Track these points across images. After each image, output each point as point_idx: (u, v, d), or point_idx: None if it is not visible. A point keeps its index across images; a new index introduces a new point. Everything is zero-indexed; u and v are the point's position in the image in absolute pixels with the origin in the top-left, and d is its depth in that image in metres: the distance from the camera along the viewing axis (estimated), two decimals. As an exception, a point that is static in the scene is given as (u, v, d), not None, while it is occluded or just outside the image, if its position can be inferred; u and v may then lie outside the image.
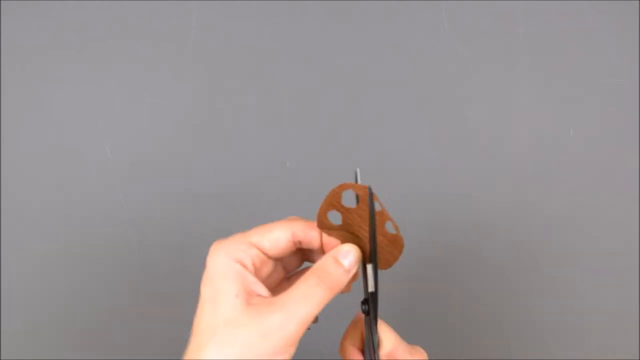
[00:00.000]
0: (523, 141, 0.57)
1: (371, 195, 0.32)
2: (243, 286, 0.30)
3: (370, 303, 0.33)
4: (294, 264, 0.36)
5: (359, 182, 0.33)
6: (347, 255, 0.32)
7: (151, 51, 0.56)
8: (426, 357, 0.35)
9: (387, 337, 0.34)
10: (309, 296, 0.30)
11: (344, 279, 0.31)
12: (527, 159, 0.57)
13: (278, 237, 0.32)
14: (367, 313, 0.33)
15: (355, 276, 0.33)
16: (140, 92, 0.56)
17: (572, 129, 0.57)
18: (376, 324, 0.33)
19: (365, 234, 0.33)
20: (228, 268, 0.31)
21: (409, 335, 0.35)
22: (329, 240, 0.33)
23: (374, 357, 0.33)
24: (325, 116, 0.56)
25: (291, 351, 0.29)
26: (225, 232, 0.56)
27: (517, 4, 0.57)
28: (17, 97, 0.55)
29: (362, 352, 0.35)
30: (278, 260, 0.35)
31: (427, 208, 0.57)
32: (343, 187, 0.33)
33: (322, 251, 0.34)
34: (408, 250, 0.57)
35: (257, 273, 0.32)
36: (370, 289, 0.33)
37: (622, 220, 0.57)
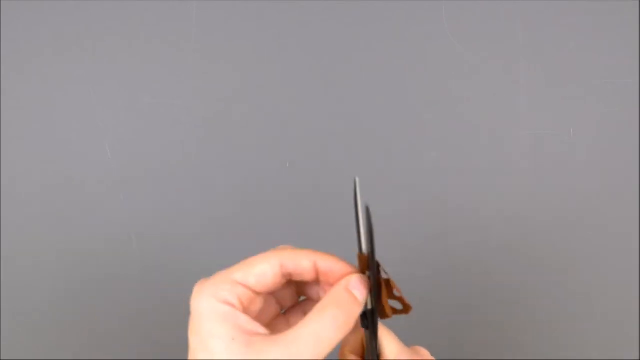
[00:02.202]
0: (523, 141, 0.57)
1: (368, 211, 0.30)
2: (237, 328, 0.27)
3: (369, 319, 0.31)
4: (288, 298, 0.33)
5: (358, 191, 0.31)
6: (358, 285, 0.29)
7: (151, 51, 0.56)
8: (429, 357, 0.34)
9: (390, 345, 0.32)
10: (320, 337, 0.27)
11: (358, 311, 0.29)
12: (527, 159, 0.57)
13: (264, 271, 0.29)
14: (366, 327, 0.32)
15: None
16: (141, 92, 0.56)
17: (572, 129, 0.57)
18: (376, 338, 0.32)
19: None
20: (214, 311, 0.27)
21: (407, 337, 0.35)
22: (328, 270, 0.30)
23: None
24: (325, 116, 0.56)
25: None
26: (225, 232, 0.56)
27: (517, 4, 0.57)
28: (17, 97, 0.55)
29: (362, 359, 0.33)
30: (269, 295, 0.32)
31: (427, 208, 0.57)
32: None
33: (317, 282, 0.31)
34: (408, 250, 0.57)
35: (245, 312, 0.28)
36: (369, 305, 0.31)
37: (622, 220, 0.57)
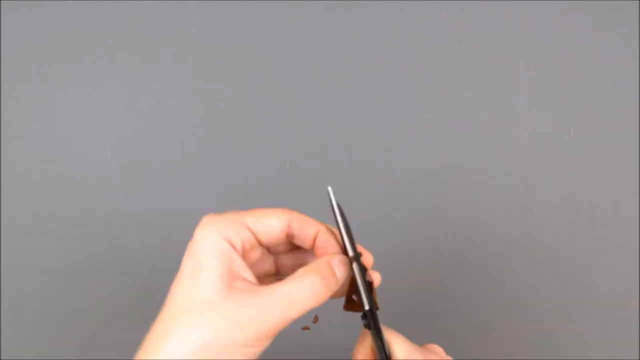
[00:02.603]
0: (523, 141, 0.57)
1: (341, 209, 0.31)
2: (228, 267, 0.28)
3: (369, 318, 0.32)
4: (289, 265, 0.34)
5: (333, 200, 0.32)
6: (341, 266, 0.30)
7: (151, 51, 0.56)
8: (444, 355, 0.34)
9: (399, 346, 0.32)
10: (294, 298, 0.28)
11: (334, 287, 0.30)
12: (527, 159, 0.57)
13: (273, 223, 0.30)
14: (368, 327, 0.32)
15: (343, 288, 0.32)
16: (141, 92, 0.56)
17: (572, 129, 0.57)
18: (381, 337, 0.32)
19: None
20: (215, 245, 0.29)
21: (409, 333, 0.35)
22: (323, 244, 0.31)
23: None
24: (325, 116, 0.56)
25: (264, 344, 0.28)
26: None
27: (517, 4, 0.57)
28: (17, 97, 0.55)
29: None
30: (270, 252, 0.33)
31: (427, 208, 0.57)
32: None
33: (312, 251, 0.32)
34: (408, 249, 0.57)
35: (244, 256, 0.30)
36: (366, 306, 0.32)
37: (622, 220, 0.57)
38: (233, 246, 0.29)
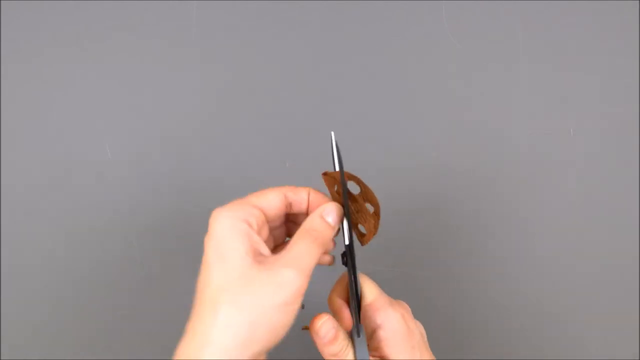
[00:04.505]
0: (523, 141, 0.57)
1: (337, 147, 0.36)
2: (250, 245, 0.32)
3: (347, 254, 0.36)
4: (282, 236, 0.39)
5: (334, 147, 0.36)
6: (331, 213, 0.35)
7: (151, 51, 0.56)
8: (409, 310, 0.37)
9: (369, 289, 0.37)
10: (309, 251, 0.32)
11: (330, 234, 0.34)
12: (527, 159, 0.57)
13: (273, 198, 0.35)
14: (345, 264, 0.36)
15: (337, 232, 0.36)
16: (141, 91, 0.56)
17: (572, 129, 0.57)
18: (355, 273, 0.36)
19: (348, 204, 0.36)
20: (235, 228, 0.32)
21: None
22: (314, 202, 0.36)
23: (355, 305, 0.36)
24: (325, 116, 0.56)
25: (300, 300, 0.31)
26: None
27: (517, 4, 0.57)
28: (17, 97, 0.55)
29: (348, 302, 0.37)
30: (270, 230, 0.37)
31: (427, 208, 0.57)
32: (325, 175, 0.36)
33: (307, 214, 0.36)
34: (409, 247, 0.57)
35: (258, 233, 0.33)
36: (346, 241, 0.36)
37: (622, 220, 0.57)
38: (250, 225, 0.33)
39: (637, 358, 0.57)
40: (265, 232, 0.35)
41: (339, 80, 0.56)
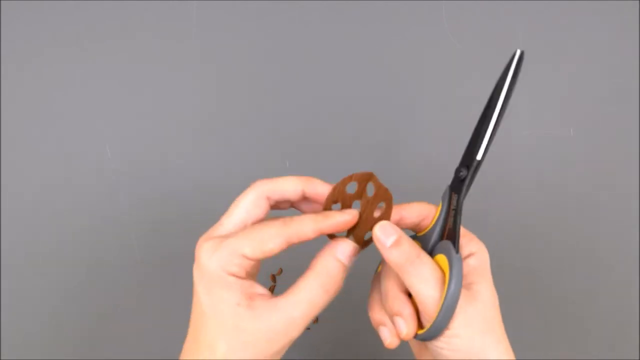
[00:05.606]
0: (523, 141, 0.57)
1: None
2: (243, 293, 0.31)
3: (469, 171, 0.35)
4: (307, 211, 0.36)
5: (514, 61, 0.34)
6: (346, 252, 0.33)
7: (151, 51, 0.56)
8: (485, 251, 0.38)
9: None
10: (316, 301, 0.31)
11: (343, 277, 0.32)
12: (527, 158, 0.57)
13: (271, 241, 0.32)
14: (462, 180, 0.36)
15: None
16: (141, 91, 0.56)
17: (572, 129, 0.57)
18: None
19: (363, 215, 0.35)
20: (223, 279, 0.31)
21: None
22: (312, 193, 0.34)
23: (459, 220, 0.36)
24: (325, 116, 0.56)
25: (287, 347, 0.31)
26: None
27: (517, 4, 0.57)
28: (17, 97, 0.55)
29: (406, 293, 0.34)
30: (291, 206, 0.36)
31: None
32: (347, 180, 0.34)
33: (305, 199, 0.34)
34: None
35: (248, 277, 0.32)
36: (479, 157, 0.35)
37: (622, 220, 0.57)
38: (238, 276, 0.31)
39: (637, 358, 0.57)
40: (256, 270, 0.33)
41: (339, 80, 0.56)
